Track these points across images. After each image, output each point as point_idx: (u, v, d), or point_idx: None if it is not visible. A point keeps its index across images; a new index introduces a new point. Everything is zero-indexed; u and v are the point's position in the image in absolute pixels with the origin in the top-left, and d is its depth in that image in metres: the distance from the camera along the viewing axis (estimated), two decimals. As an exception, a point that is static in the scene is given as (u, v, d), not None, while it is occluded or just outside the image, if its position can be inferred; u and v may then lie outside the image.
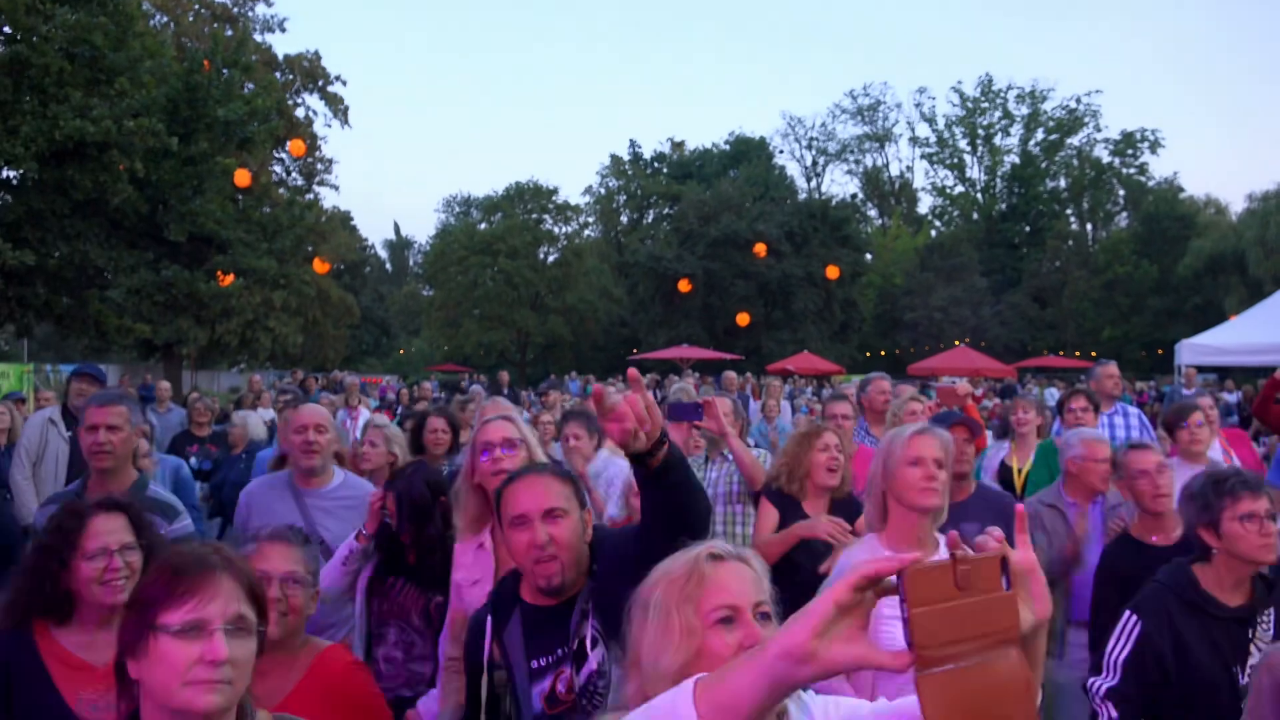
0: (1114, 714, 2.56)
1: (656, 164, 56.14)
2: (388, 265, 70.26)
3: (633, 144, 56.54)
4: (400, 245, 72.05)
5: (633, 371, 1.84)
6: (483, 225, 45.86)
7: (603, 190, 54.11)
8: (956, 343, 34.73)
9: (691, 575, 1.37)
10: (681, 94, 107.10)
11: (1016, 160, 52.82)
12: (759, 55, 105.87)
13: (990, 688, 0.96)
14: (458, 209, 57.17)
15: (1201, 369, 16.02)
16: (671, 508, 1.85)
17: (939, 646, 0.95)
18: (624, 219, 54.02)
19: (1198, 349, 15.21)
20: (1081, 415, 5.38)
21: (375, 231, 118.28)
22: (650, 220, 53.23)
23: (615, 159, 54.89)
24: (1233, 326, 16.59)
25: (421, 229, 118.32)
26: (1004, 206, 51.91)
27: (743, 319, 30.30)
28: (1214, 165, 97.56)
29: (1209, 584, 2.60)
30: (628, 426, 1.76)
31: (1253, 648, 2.49)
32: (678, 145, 57.22)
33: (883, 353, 42.16)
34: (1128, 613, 2.65)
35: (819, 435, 3.71)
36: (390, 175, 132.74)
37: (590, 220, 52.64)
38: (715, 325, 39.12)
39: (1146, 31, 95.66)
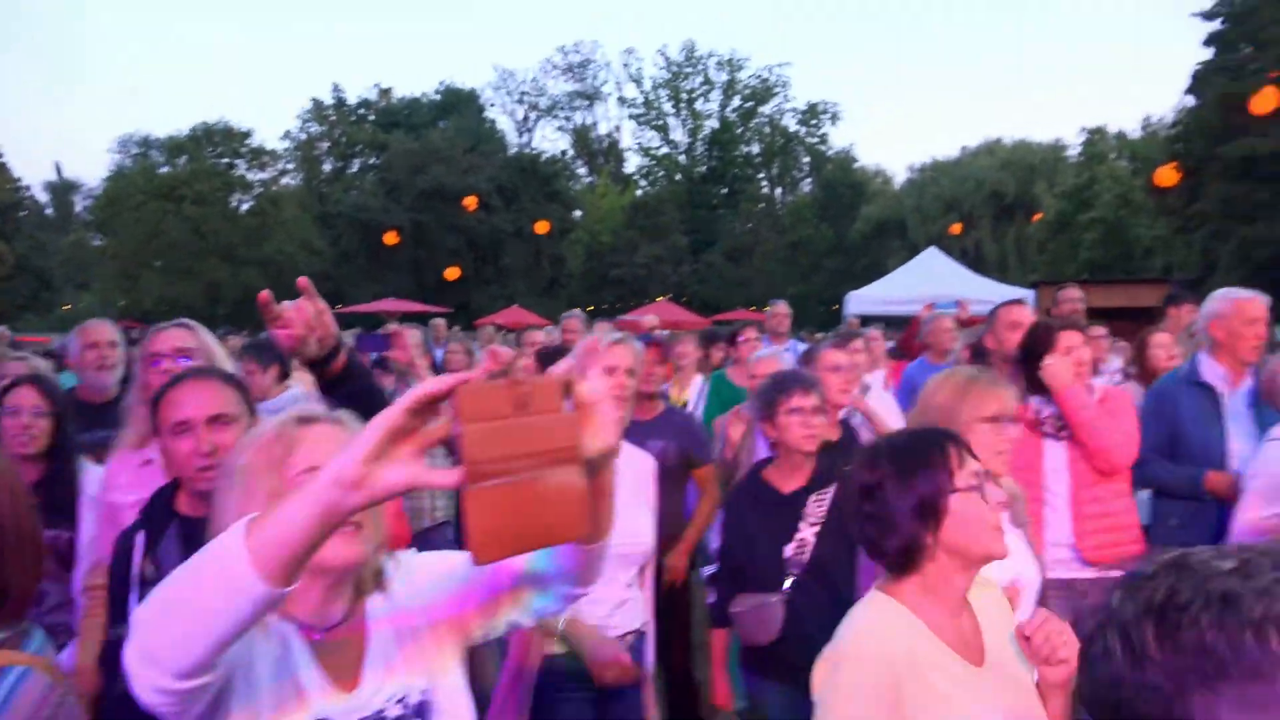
0: (710, 597, 3.05)
1: (362, 111, 53.66)
2: (49, 210, 62.30)
3: (336, 88, 53.57)
4: (64, 188, 64.05)
5: (302, 280, 1.77)
6: (165, 169, 41.80)
7: (303, 136, 51.03)
8: (660, 299, 36.33)
9: (279, 439, 1.33)
10: (389, 39, 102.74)
11: (716, 125, 55.53)
12: (471, 4, 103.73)
13: (540, 501, 1.00)
14: (135, 150, 51.70)
15: (866, 319, 17.92)
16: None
17: (490, 461, 0.97)
18: (327, 167, 51.30)
19: (862, 300, 17.03)
20: (754, 343, 5.90)
21: (32, 172, 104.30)
22: (356, 170, 50.94)
23: (317, 104, 51.84)
24: (890, 280, 18.62)
25: (92, 171, 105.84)
26: (704, 169, 54.53)
27: (452, 273, 29.85)
28: (883, 138, 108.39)
29: (770, 474, 2.99)
30: (296, 333, 1.71)
31: (802, 525, 2.84)
32: (385, 92, 54.95)
33: (590, 308, 43.29)
34: (721, 510, 3.10)
35: None
36: (52, 110, 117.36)
37: (290, 167, 49.55)
38: (424, 279, 38.33)
39: (831, 10, 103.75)
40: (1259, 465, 3.25)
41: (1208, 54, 29.37)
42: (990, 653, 1.67)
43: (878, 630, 1.63)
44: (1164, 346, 4.81)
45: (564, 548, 1.27)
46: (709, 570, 3.11)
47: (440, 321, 12.91)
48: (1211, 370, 3.77)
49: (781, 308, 7.06)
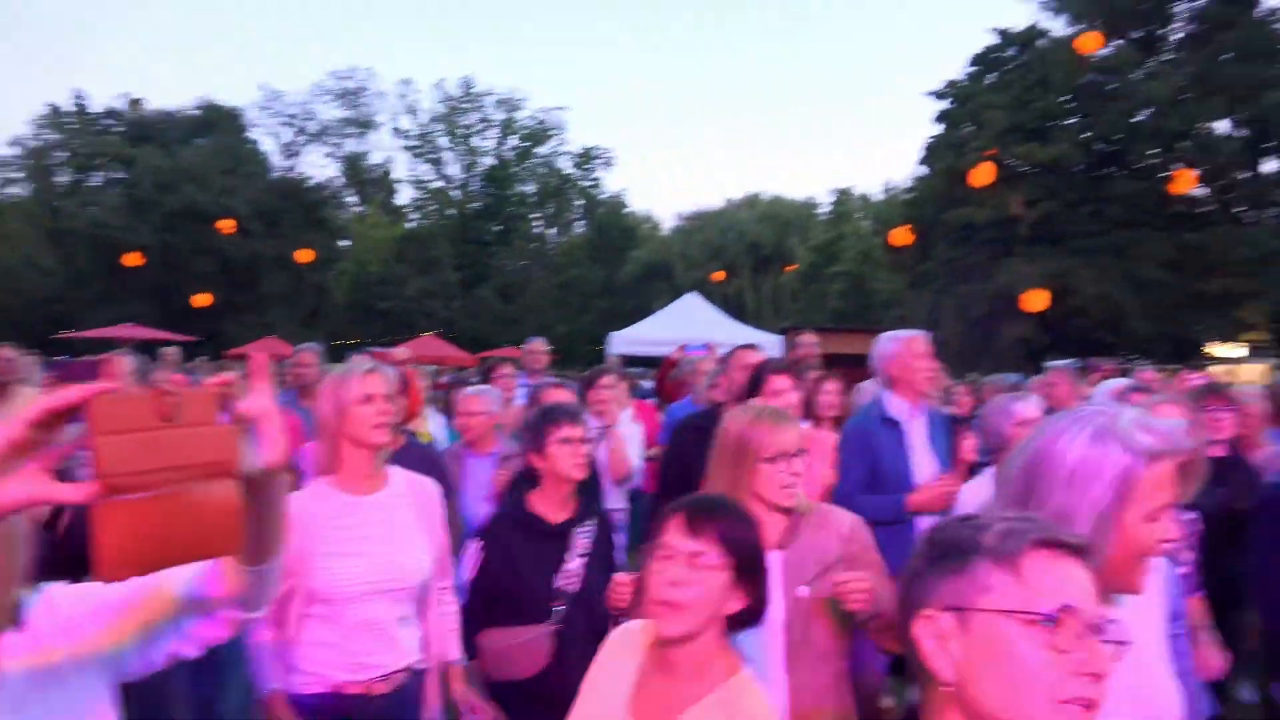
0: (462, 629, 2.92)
1: (107, 121, 49.50)
2: None
3: (78, 95, 49.23)
4: None
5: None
6: None
7: (37, 144, 46.36)
8: (428, 334, 35.67)
9: None
10: (142, 46, 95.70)
11: (492, 162, 55.54)
12: (236, 19, 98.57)
13: (183, 516, 0.96)
14: None
15: (628, 359, 18.46)
16: None
17: (126, 475, 0.93)
18: (62, 179, 46.83)
19: (625, 340, 17.49)
20: (509, 379, 6.01)
21: None
22: (97, 184, 46.82)
23: (55, 110, 47.37)
24: (652, 322, 19.27)
25: None
26: (479, 205, 54.31)
27: (201, 299, 27.95)
28: (653, 186, 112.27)
29: (537, 504, 2.97)
30: None
31: (569, 556, 2.88)
32: (135, 103, 51.04)
33: (355, 340, 41.83)
34: (475, 541, 2.97)
35: None
36: None
37: (18, 176, 44.86)
38: (170, 305, 35.65)
39: (607, 60, 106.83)
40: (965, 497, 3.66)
41: (938, 129, 32.66)
42: None
43: None
44: (870, 391, 5.28)
45: (217, 567, 1.24)
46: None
47: (172, 350, 12.05)
48: (895, 405, 4.17)
49: (538, 345, 7.15)
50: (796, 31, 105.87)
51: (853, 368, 8.00)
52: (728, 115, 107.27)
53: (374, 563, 2.61)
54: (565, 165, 55.97)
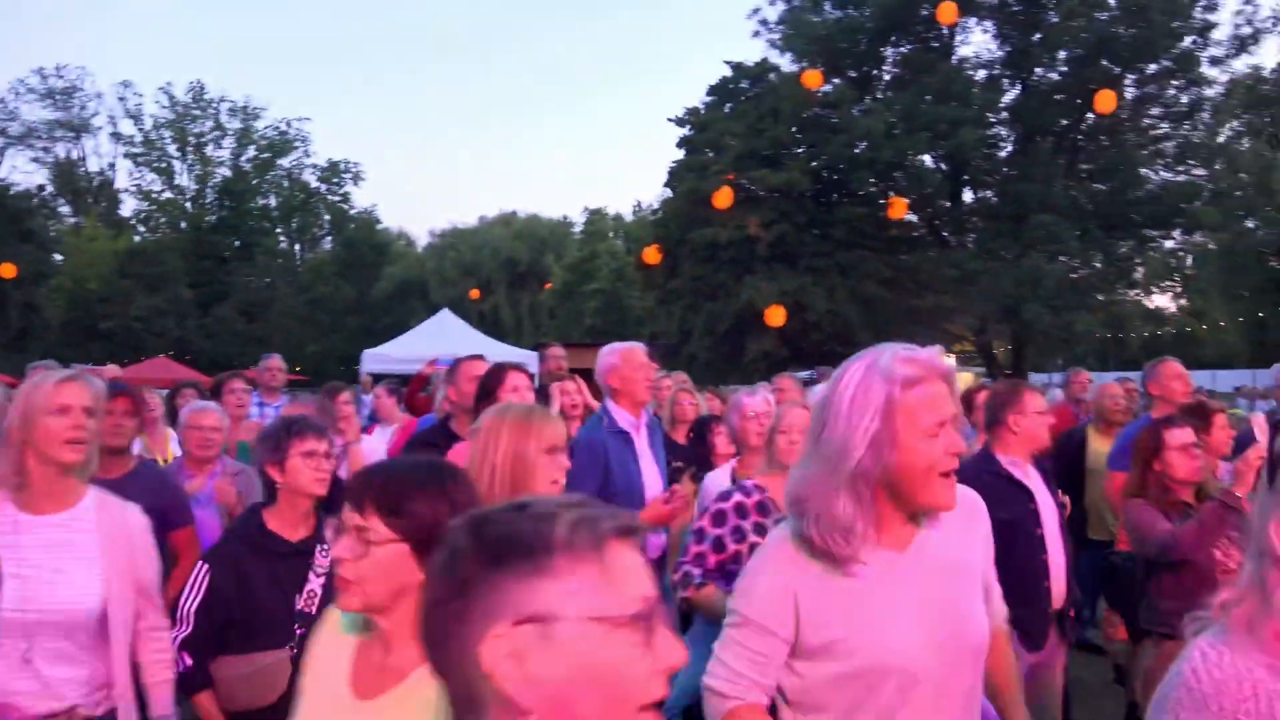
0: (187, 662, 2.68)
1: None
2: None
3: None
4: None
5: None
6: None
7: None
8: (160, 355, 33.00)
9: None
10: None
11: (229, 174, 52.32)
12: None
13: None
14: None
15: (380, 376, 18.05)
16: None
17: None
18: None
19: (378, 358, 17.11)
20: (241, 395, 5.82)
21: None
22: None
23: None
24: (405, 340, 18.96)
25: None
26: (215, 219, 50.97)
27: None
28: (406, 202, 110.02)
29: (274, 522, 2.83)
30: None
31: (311, 575, 2.77)
32: None
33: (72, 363, 38.01)
34: (200, 563, 2.80)
35: None
36: None
37: None
38: None
39: (355, 71, 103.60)
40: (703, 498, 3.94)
41: (680, 154, 34.24)
42: None
43: None
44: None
45: None
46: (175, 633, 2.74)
47: None
48: (621, 416, 4.39)
49: (275, 362, 6.91)
50: (551, 51, 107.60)
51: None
52: (482, 134, 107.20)
53: (26, 588, 2.31)
54: (310, 179, 53.74)
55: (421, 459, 1.71)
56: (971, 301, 28.43)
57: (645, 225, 43.31)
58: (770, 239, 30.07)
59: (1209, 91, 30.17)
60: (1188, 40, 29.04)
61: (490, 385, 3.72)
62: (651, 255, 26.61)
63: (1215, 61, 29.83)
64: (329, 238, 54.27)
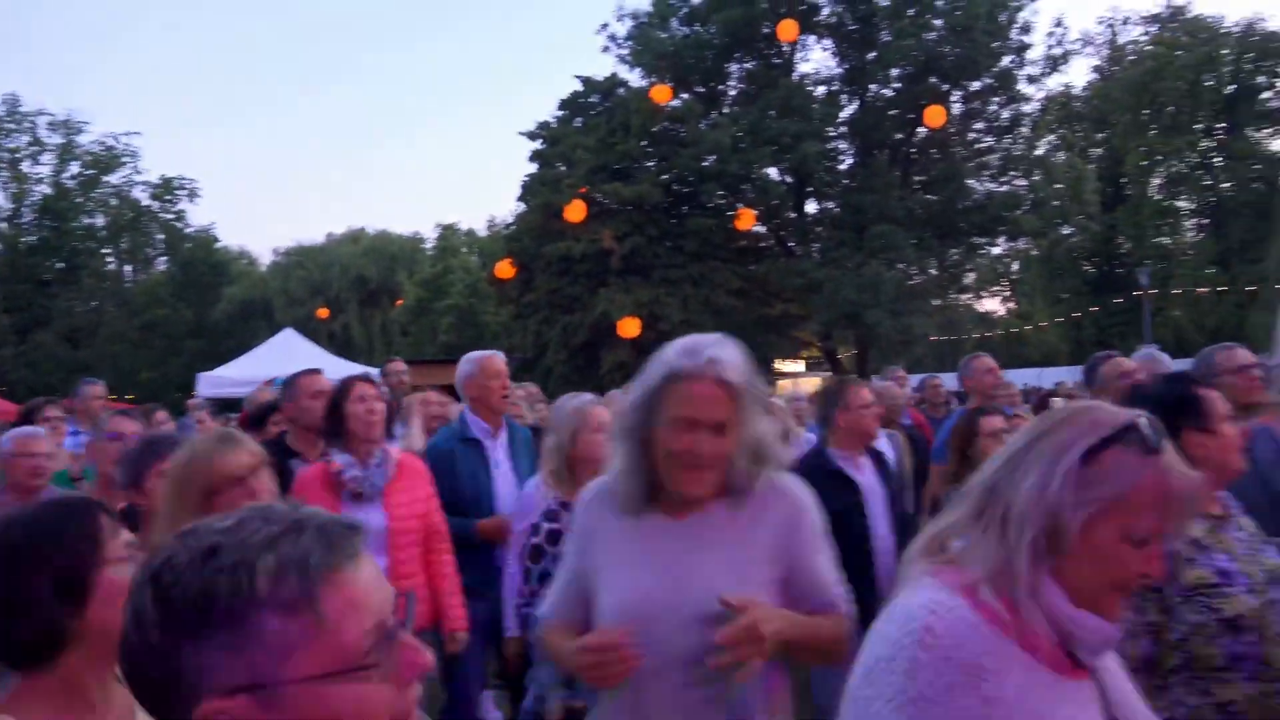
0: None
1: None
2: None
3: None
4: None
5: None
6: None
7: None
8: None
9: None
10: None
11: (49, 191, 48.91)
12: None
13: None
14: None
15: (219, 400, 17.22)
16: None
17: None
18: None
19: (215, 381, 16.33)
20: (57, 423, 5.49)
21: None
22: None
23: None
24: (245, 362, 18.15)
25: None
26: (34, 240, 47.51)
27: None
28: (247, 220, 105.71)
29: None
30: None
31: None
32: None
33: None
34: None
35: None
36: None
37: None
38: None
39: (186, 85, 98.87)
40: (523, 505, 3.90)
41: (533, 168, 34.15)
42: None
43: None
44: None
45: None
46: None
47: None
48: (476, 425, 4.36)
49: (94, 390, 6.49)
50: (400, 66, 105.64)
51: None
52: (329, 149, 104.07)
53: None
54: (141, 196, 50.70)
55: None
56: (817, 308, 29.44)
57: (499, 240, 42.93)
58: (623, 251, 30.33)
59: (1027, 107, 32.36)
60: (1007, 59, 31.04)
61: (337, 397, 3.74)
62: (505, 269, 26.40)
63: (1032, 79, 32.04)
64: (163, 258, 51.38)
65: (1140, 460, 1.26)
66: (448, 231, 54.24)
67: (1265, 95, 39.34)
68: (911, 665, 1.21)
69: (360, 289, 49.88)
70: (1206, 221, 40.20)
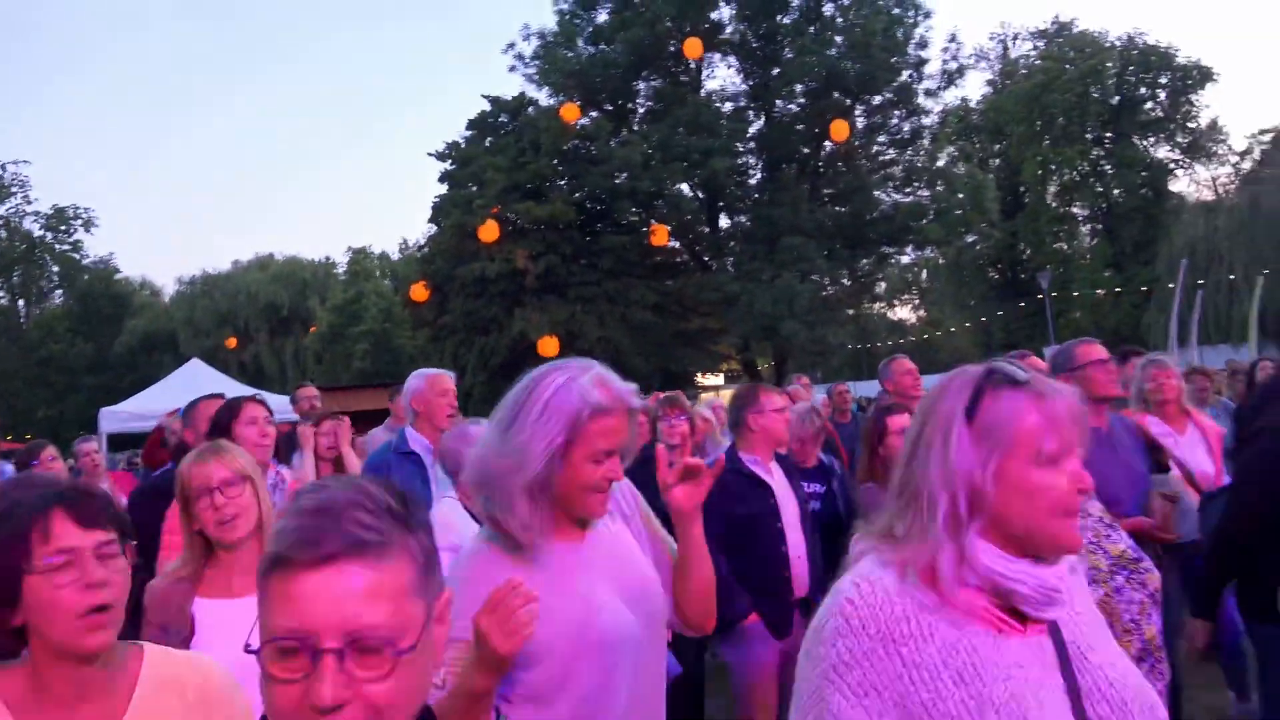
0: None
1: None
2: None
3: None
4: None
5: None
6: None
7: None
8: None
9: None
10: None
11: (-69, 224, 46.65)
12: None
13: None
14: None
15: (121, 436, 16.62)
16: None
17: None
18: None
19: (118, 417, 15.72)
20: None
21: None
22: None
23: None
24: (149, 395, 17.53)
25: None
26: (-84, 275, 45.39)
27: None
28: (149, 249, 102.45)
29: None
30: None
31: None
32: None
33: None
34: None
35: None
36: None
37: None
38: None
39: (79, 110, 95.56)
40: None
41: (444, 189, 33.82)
42: None
43: None
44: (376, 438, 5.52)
45: None
46: None
47: None
48: (416, 440, 4.30)
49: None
50: (304, 89, 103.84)
51: (379, 423, 8.02)
52: (233, 175, 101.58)
53: None
54: (33, 227, 48.70)
55: None
56: (734, 321, 29.76)
57: (413, 263, 42.41)
58: (538, 270, 30.23)
59: (927, 120, 33.36)
60: (905, 74, 31.96)
61: (224, 419, 3.69)
62: (419, 292, 26.09)
63: (930, 93, 33.05)
64: (60, 291, 49.42)
65: (1012, 394, 1.32)
66: (360, 255, 53.38)
67: (1148, 105, 41.37)
68: (834, 633, 1.30)
69: (270, 316, 48.69)
70: (1100, 227, 41.97)
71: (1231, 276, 25.34)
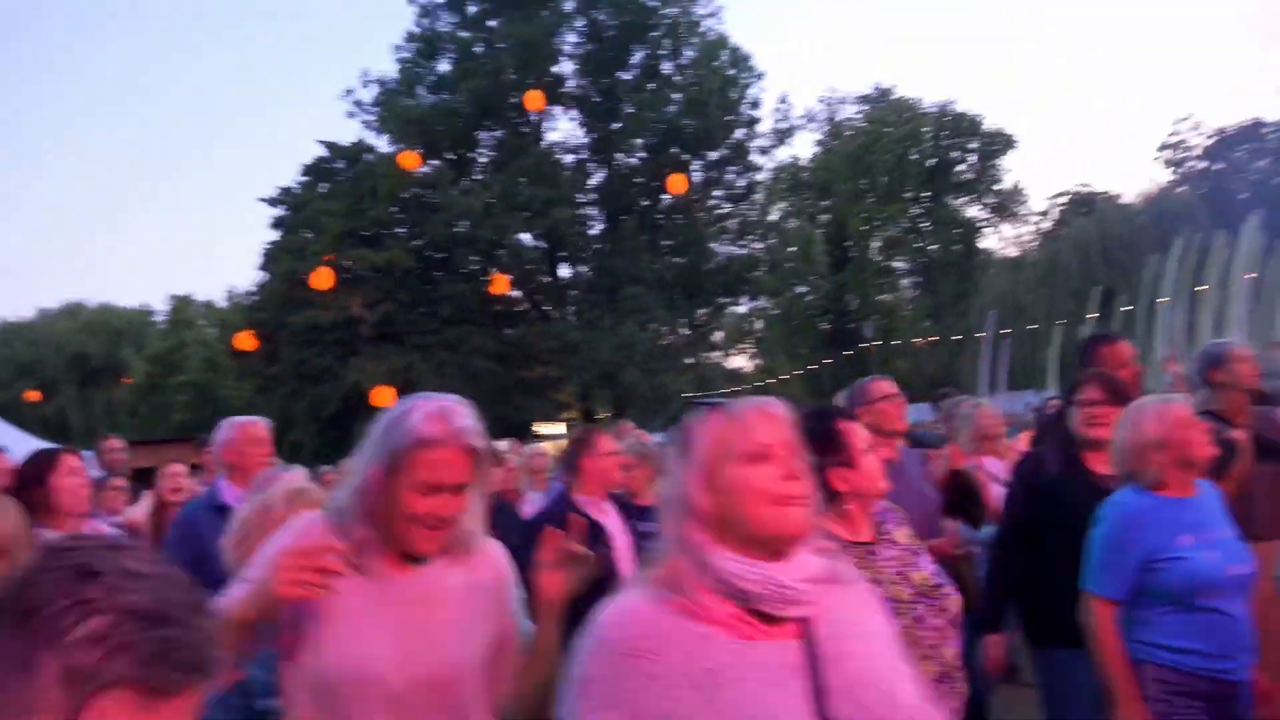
0: None
1: None
2: None
3: None
4: None
5: None
6: None
7: None
8: None
9: None
10: None
11: None
12: None
13: None
14: None
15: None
16: None
17: None
18: None
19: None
20: None
21: None
22: None
23: None
24: (-67, 452, 15.95)
25: None
26: None
27: None
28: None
29: None
30: None
31: None
32: None
33: None
34: None
35: None
36: None
37: None
38: None
39: None
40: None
41: (275, 235, 32.63)
42: None
43: None
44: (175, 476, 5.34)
45: None
46: None
47: None
48: (229, 492, 4.07)
49: None
50: (119, 127, 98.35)
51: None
52: (38, 218, 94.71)
53: None
54: None
55: None
56: (574, 370, 29.85)
57: (240, 311, 40.57)
58: (375, 319, 29.52)
59: (760, 176, 34.84)
60: (739, 132, 33.32)
61: (40, 471, 3.56)
62: (245, 341, 24.92)
63: (763, 151, 34.58)
64: None
65: (707, 417, 1.50)
66: (181, 303, 50.62)
67: (960, 168, 44.54)
68: (585, 654, 1.40)
69: (79, 368, 45.38)
70: (920, 280, 44.59)
71: (1032, 326, 27.35)
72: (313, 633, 1.77)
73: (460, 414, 1.83)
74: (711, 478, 1.43)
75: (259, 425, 4.27)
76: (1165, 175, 43.07)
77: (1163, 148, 43.89)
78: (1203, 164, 42.18)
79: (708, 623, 1.37)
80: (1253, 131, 41.01)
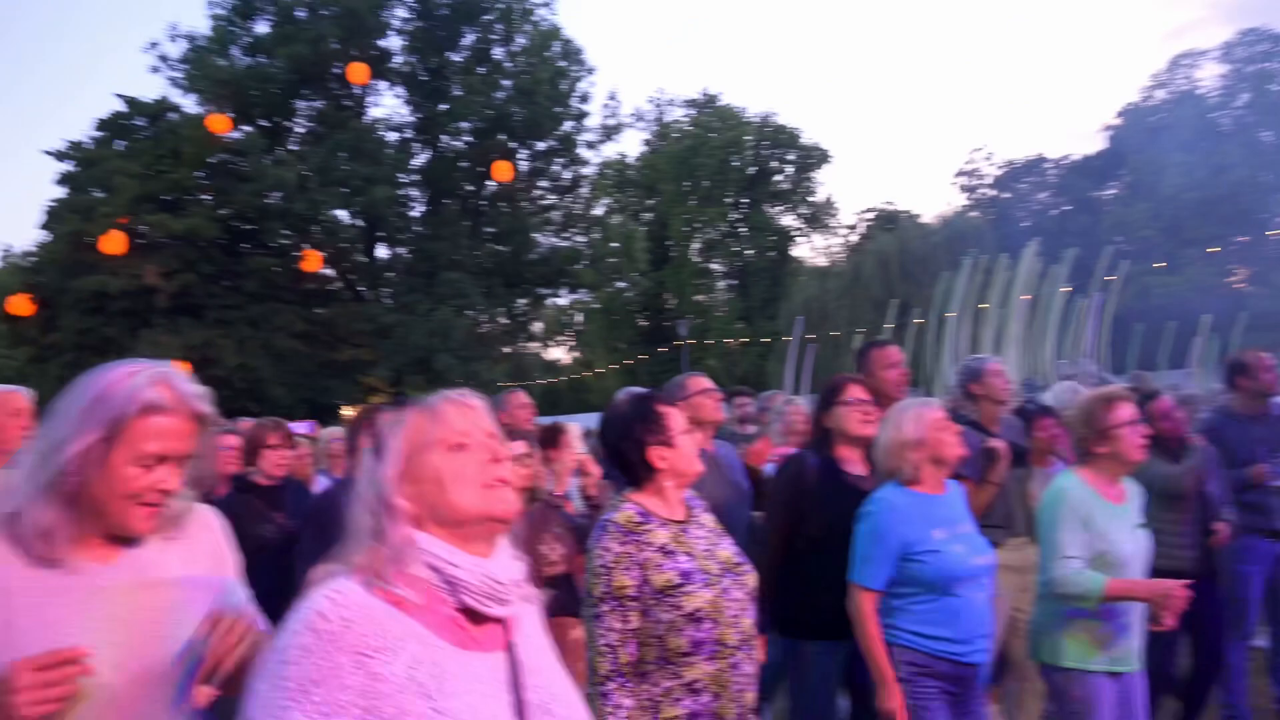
0: None
1: None
2: None
3: None
4: None
5: None
6: None
7: None
8: None
9: None
10: None
11: None
12: None
13: None
14: None
15: None
16: None
17: None
18: None
19: None
20: None
21: None
22: None
23: None
24: None
25: None
26: None
27: None
28: None
29: None
30: None
31: None
32: None
33: None
34: None
35: None
36: None
37: None
38: None
39: None
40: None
41: (61, 192, 30.05)
42: None
43: None
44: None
45: None
46: None
47: None
48: None
49: None
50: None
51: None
52: None
53: None
54: None
55: None
56: (387, 353, 29.10)
57: (16, 272, 37.13)
58: (172, 289, 27.73)
59: (586, 170, 35.03)
60: (568, 125, 33.38)
61: None
62: (21, 305, 22.83)
63: (590, 145, 34.79)
64: None
65: (406, 414, 1.48)
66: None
67: (778, 178, 46.34)
68: (302, 650, 1.24)
69: None
70: (736, 282, 46.11)
71: (835, 333, 28.83)
72: (5, 654, 1.50)
73: (182, 378, 1.68)
74: (411, 469, 1.41)
75: (18, 395, 3.99)
76: (960, 199, 46.45)
77: (959, 174, 47.37)
78: (992, 191, 45.76)
79: (426, 625, 1.33)
80: (1036, 166, 44.85)
